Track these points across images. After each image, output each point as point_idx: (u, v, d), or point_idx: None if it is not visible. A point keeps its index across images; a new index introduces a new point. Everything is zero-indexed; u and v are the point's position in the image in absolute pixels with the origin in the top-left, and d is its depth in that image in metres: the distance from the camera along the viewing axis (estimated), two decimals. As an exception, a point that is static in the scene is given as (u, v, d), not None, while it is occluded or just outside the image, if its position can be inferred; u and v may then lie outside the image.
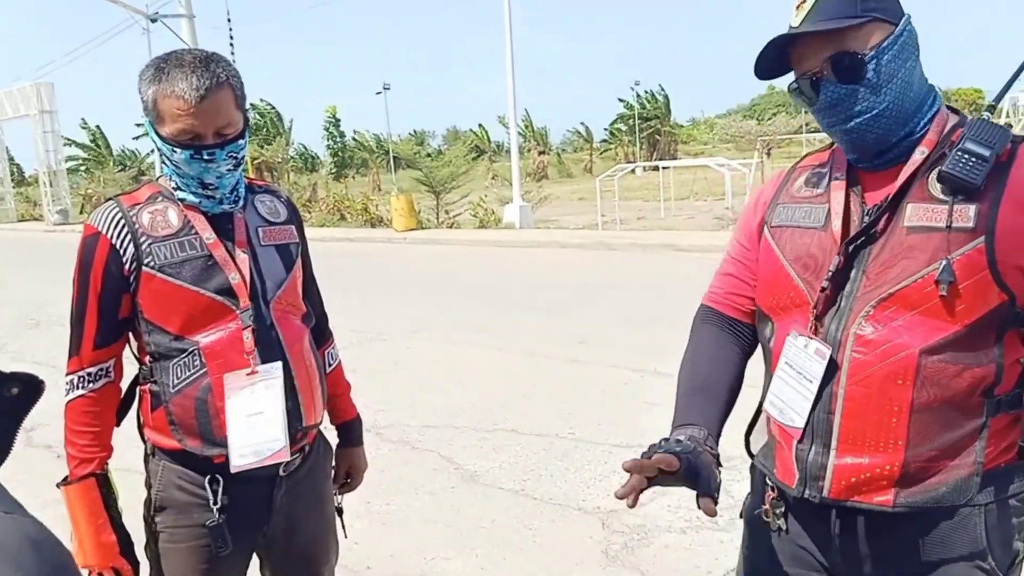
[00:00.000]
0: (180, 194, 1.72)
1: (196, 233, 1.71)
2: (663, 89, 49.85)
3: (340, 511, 2.07)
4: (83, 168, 42.72)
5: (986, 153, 1.21)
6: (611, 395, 5.45)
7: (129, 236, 1.68)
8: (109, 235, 1.68)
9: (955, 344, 1.23)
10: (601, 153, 53.70)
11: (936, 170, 1.26)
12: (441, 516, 3.81)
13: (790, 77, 1.38)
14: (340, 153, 46.87)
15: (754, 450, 1.55)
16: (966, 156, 1.21)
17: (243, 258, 1.74)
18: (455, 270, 12.49)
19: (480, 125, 53.50)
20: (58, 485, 1.73)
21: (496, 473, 4.28)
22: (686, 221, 18.38)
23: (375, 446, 4.70)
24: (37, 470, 4.58)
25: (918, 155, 1.29)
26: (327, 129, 46.90)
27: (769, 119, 21.42)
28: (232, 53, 24.83)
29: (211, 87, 1.60)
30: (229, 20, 27.15)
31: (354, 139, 48.31)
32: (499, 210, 19.41)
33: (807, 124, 25.70)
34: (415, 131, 61.18)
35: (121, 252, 1.68)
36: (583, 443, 4.63)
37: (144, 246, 1.67)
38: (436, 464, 4.45)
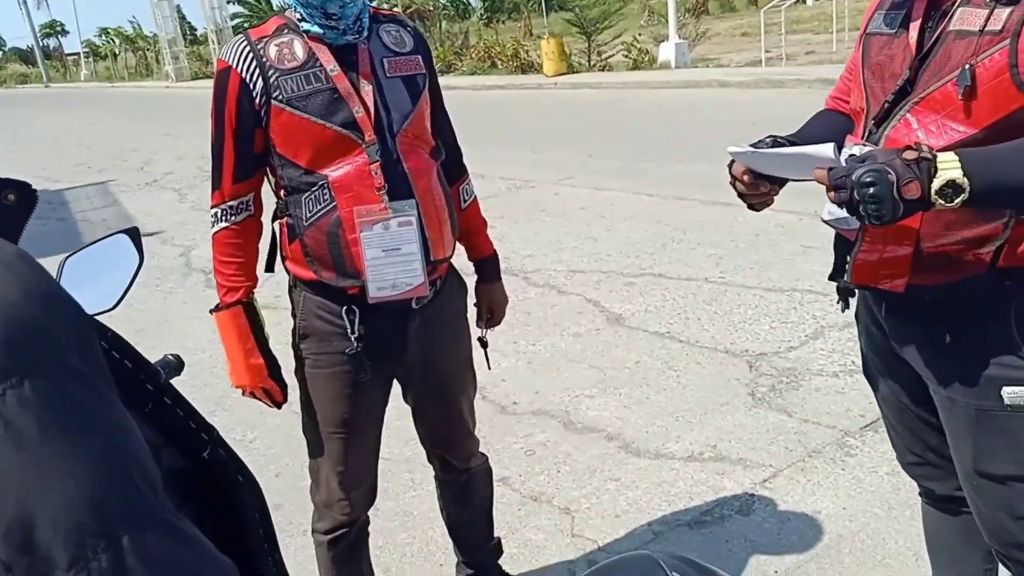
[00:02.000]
0: (304, 25, 1.69)
1: (321, 65, 1.68)
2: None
3: (485, 343, 2.10)
4: (247, 24, 44.12)
5: None
6: (765, 239, 5.21)
7: (258, 69, 1.68)
8: (239, 69, 1.69)
9: (972, 146, 1.22)
10: (768, -17, 49.56)
11: None
12: (586, 357, 3.85)
13: None
14: (491, -3, 45.71)
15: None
16: None
17: (367, 90, 1.70)
18: (606, 115, 12.13)
19: (636, -41, 50.36)
20: (210, 311, 1.84)
21: (642, 316, 4.25)
22: (861, 54, 16.84)
23: (522, 290, 4.77)
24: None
25: None
26: (476, -27, 45.64)
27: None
28: None
29: None
30: None
31: (504, -19, 46.84)
32: (654, 50, 18.48)
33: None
34: (567, -30, 58.52)
35: (252, 85, 1.68)
36: (733, 287, 4.49)
37: (272, 79, 1.67)
38: (582, 307, 4.47)
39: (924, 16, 1.33)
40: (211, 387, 3.89)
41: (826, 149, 1.22)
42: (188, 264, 6.10)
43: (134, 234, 1.26)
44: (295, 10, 1.71)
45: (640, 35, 19.28)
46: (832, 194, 1.18)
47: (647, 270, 4.93)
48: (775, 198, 1.51)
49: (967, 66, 1.22)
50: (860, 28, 1.53)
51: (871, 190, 1.12)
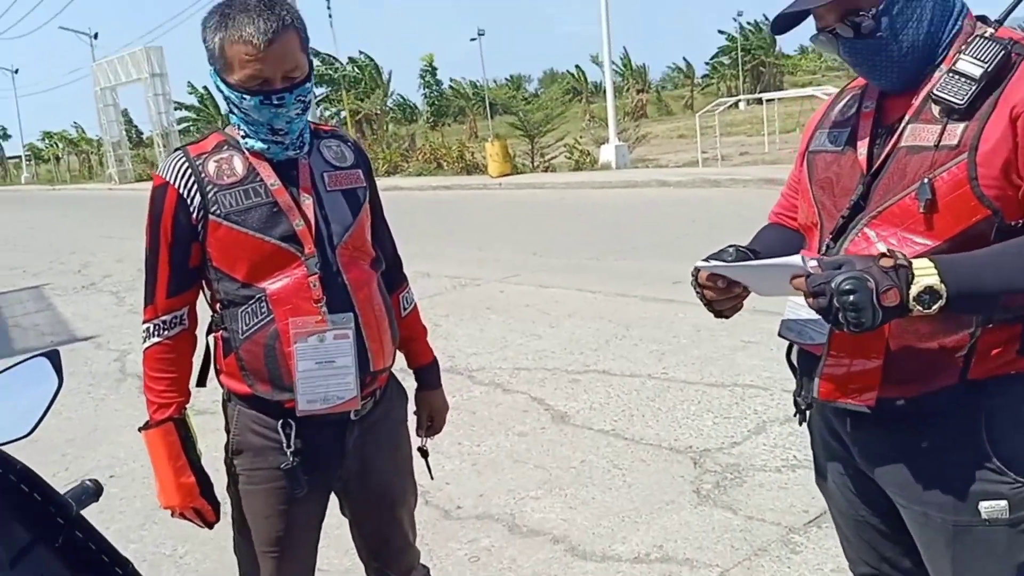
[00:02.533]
0: (248, 142, 1.70)
1: (261, 180, 1.69)
2: (767, 18, 47.65)
3: (425, 453, 2.06)
4: (193, 128, 44.43)
5: (976, 72, 1.23)
6: (706, 334, 5.29)
7: (196, 185, 1.67)
8: (176, 184, 1.68)
9: None
10: (703, 89, 51.98)
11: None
12: (531, 457, 3.80)
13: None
14: (437, 102, 46.98)
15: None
16: (956, 76, 1.25)
17: (308, 203, 1.71)
18: (549, 214, 12.39)
19: (577, 66, 52.54)
20: (139, 429, 1.78)
21: (587, 414, 4.23)
22: (792, 155, 17.60)
23: (467, 388, 4.73)
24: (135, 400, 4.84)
25: (935, 76, 1.29)
26: (423, 78, 47.03)
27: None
28: (328, 8, 25.07)
29: (278, 30, 1.57)
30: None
31: (451, 87, 48.31)
32: (595, 151, 19.11)
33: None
34: (511, 76, 60.66)
35: (188, 201, 1.67)
36: (676, 383, 4.52)
37: (210, 194, 1.67)
38: (527, 405, 4.44)
39: (871, 134, 1.36)
40: (142, 499, 3.72)
41: (794, 259, 1.22)
42: (123, 369, 5.93)
43: (54, 356, 1.23)
44: (238, 127, 1.72)
45: (581, 137, 19.96)
46: (811, 300, 1.17)
47: (591, 367, 4.95)
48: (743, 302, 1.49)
49: (926, 180, 1.23)
50: (800, 142, 1.57)
51: (851, 297, 1.11)
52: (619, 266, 7.73)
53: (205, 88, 44.89)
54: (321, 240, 1.71)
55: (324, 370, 1.71)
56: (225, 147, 1.72)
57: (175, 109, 37.42)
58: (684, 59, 58.46)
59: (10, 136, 67.80)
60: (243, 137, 1.71)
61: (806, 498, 3.09)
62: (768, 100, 22.74)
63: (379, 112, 33.23)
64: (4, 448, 1.11)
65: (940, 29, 1.31)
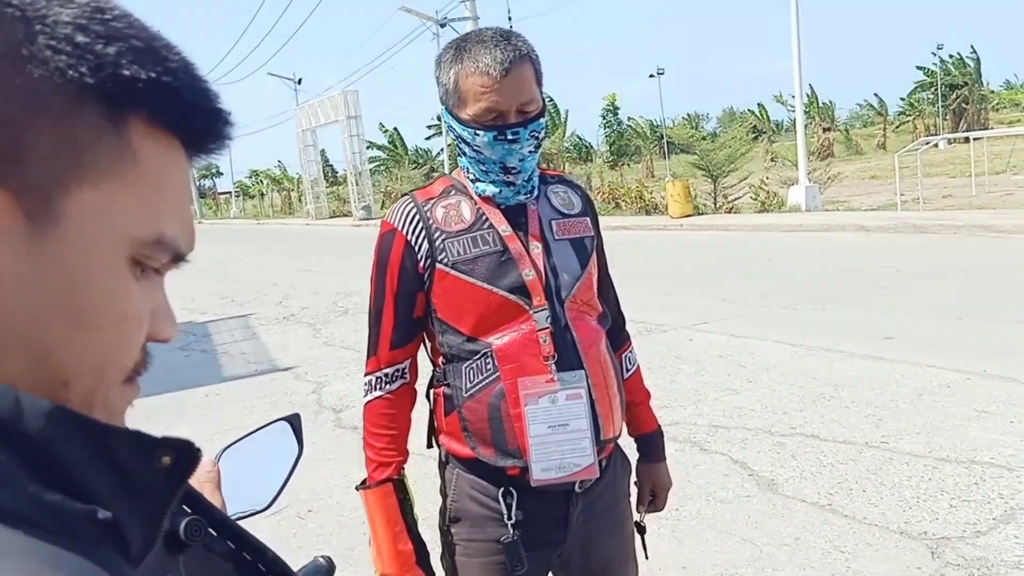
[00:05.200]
0: (479, 186, 1.62)
1: (491, 226, 1.59)
2: (974, 51, 44.42)
3: (643, 530, 1.88)
4: (383, 167, 46.94)
5: None
6: (930, 400, 4.76)
7: (424, 232, 1.60)
8: (405, 231, 1.62)
9: None
10: (896, 127, 49.12)
11: None
12: (737, 528, 3.50)
13: None
14: (617, 141, 47.11)
15: None
16: None
17: (537, 252, 1.60)
18: (737, 257, 11.90)
19: (759, 104, 51.14)
20: (357, 488, 1.71)
21: (797, 483, 3.88)
22: (1003, 199, 16.11)
23: (661, 445, 4.48)
24: (345, 450, 4.93)
25: None
26: (603, 117, 47.35)
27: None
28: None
29: (515, 60, 1.51)
30: (510, 19, 28.02)
31: (629, 126, 48.33)
32: (782, 192, 18.31)
33: None
34: (689, 115, 59.89)
35: (416, 248, 1.60)
36: (900, 455, 4.06)
37: (438, 242, 1.59)
38: (728, 469, 4.14)
39: None
40: (338, 537, 3.75)
41: None
42: (319, 402, 6.13)
43: (295, 421, 1.16)
44: (467, 171, 1.64)
45: (767, 178, 19.20)
46: None
47: (798, 429, 4.56)
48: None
49: None
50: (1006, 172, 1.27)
51: None
52: (819, 317, 7.21)
53: (395, 129, 47.47)
54: (549, 292, 1.59)
55: (558, 434, 1.57)
56: (453, 192, 1.65)
57: (367, 148, 39.72)
58: (876, 95, 55.42)
59: (222, 174, 74.60)
60: (473, 180, 1.63)
61: (1082, 611, 2.63)
62: (976, 139, 21.00)
63: (556, 152, 33.64)
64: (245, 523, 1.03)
65: None
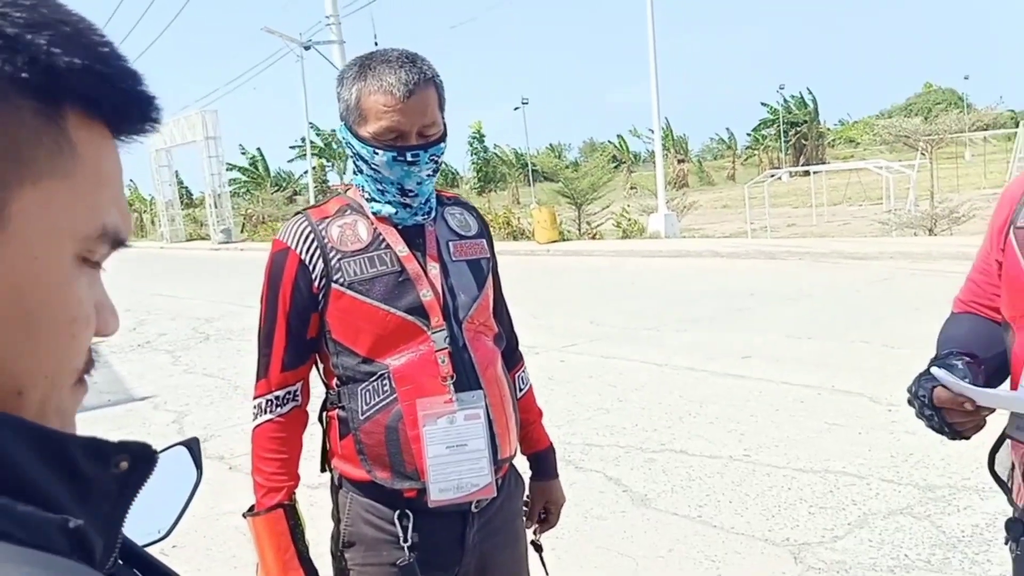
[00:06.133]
0: (374, 206, 1.60)
1: (388, 247, 1.58)
2: (811, 92, 47.97)
3: (540, 548, 1.90)
4: (243, 190, 45.44)
5: None
6: (786, 414, 5.05)
7: (319, 251, 1.57)
8: (298, 250, 1.58)
9: None
10: (744, 160, 52.17)
11: None
12: (613, 543, 3.58)
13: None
14: (484, 168, 47.65)
15: (1003, 476, 1.39)
16: None
17: (435, 273, 1.60)
18: (602, 281, 12.26)
19: (619, 136, 53.12)
20: (244, 515, 1.64)
21: (669, 497, 4.01)
22: (841, 227, 17.43)
23: (538, 465, 4.53)
24: (211, 481, 4.71)
25: None
26: (470, 144, 47.80)
27: (934, 117, 20.03)
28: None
29: (419, 82, 1.51)
30: (376, 44, 27.91)
31: (495, 154, 49.01)
32: (642, 220, 19.04)
33: (975, 122, 23.96)
34: (552, 144, 61.42)
35: (310, 268, 1.57)
36: (761, 466, 4.28)
37: (333, 261, 1.56)
38: (603, 486, 4.23)
39: None
40: (208, 571, 3.57)
41: None
42: (181, 431, 5.83)
43: (193, 446, 1.11)
44: (362, 189, 1.63)
45: (628, 206, 19.93)
46: None
47: (667, 445, 4.73)
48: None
49: None
50: (993, 219, 1.39)
51: None
52: (682, 338, 7.52)
53: (258, 150, 46.13)
54: (447, 313, 1.59)
55: (456, 455, 1.57)
56: (348, 211, 1.62)
57: (227, 169, 38.39)
58: (727, 130, 58.80)
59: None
60: (368, 200, 1.61)
61: (928, 604, 2.84)
62: (815, 172, 22.56)
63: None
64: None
65: None
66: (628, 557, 3.44)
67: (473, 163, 48.10)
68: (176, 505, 1.07)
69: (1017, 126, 28.63)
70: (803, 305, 8.71)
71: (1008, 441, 1.35)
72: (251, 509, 1.64)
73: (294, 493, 1.65)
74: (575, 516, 3.88)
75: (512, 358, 1.86)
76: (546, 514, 1.93)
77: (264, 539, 1.61)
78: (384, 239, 1.59)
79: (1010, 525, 1.29)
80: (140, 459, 0.49)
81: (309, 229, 1.59)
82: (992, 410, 1.26)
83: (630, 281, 11.87)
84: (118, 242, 0.50)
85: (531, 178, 33.90)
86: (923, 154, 16.89)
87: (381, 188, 1.58)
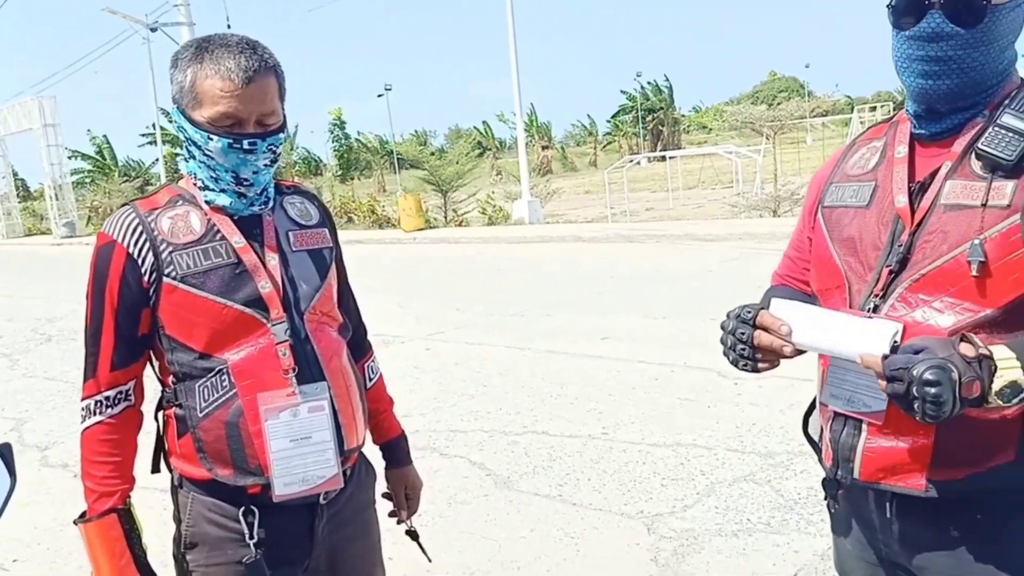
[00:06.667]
0: (208, 195, 1.55)
1: (223, 238, 1.54)
2: (667, 79, 49.71)
3: (415, 535, 1.93)
4: (89, 180, 42.72)
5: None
6: (641, 392, 5.27)
7: (148, 244, 1.51)
8: (125, 243, 1.51)
9: (988, 326, 1.15)
10: (604, 146, 53.55)
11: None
12: (477, 527, 3.64)
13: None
14: (345, 155, 46.76)
15: (815, 438, 1.47)
16: (1003, 131, 1.17)
17: (274, 264, 1.57)
18: (468, 269, 12.33)
19: (484, 122, 53.33)
20: (75, 522, 1.57)
21: (531, 479, 4.10)
22: (696, 210, 18.23)
23: (402, 454, 4.53)
24: (55, 491, 4.44)
25: (974, 126, 1.22)
26: (331, 132, 46.80)
27: (778, 104, 21.23)
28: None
29: (259, 69, 1.47)
30: (229, 27, 26.84)
31: (358, 141, 48.19)
32: (507, 206, 19.27)
33: (814, 108, 25.59)
34: (417, 131, 61.04)
35: (139, 262, 1.51)
36: (618, 443, 4.45)
37: (164, 254, 1.50)
38: (467, 471, 4.28)
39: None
40: (49, 589, 3.38)
41: (880, 328, 1.13)
42: (21, 440, 5.46)
43: (6, 451, 1.05)
44: (194, 177, 1.57)
45: (493, 193, 20.11)
46: (885, 384, 1.09)
47: (529, 427, 4.83)
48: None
49: (977, 241, 1.15)
50: (806, 198, 1.48)
51: (933, 389, 1.02)
52: (545, 322, 7.68)
53: (105, 136, 43.41)
54: (288, 304, 1.56)
55: (301, 447, 1.55)
56: (180, 202, 1.56)
57: (69, 157, 35.99)
58: (588, 116, 60.16)
59: None
60: (202, 189, 1.56)
61: (767, 564, 3.04)
62: (671, 158, 23.44)
63: (284, 165, 32.73)
64: None
65: (999, 70, 1.23)
66: (491, 540, 3.50)
67: (334, 151, 47.15)
68: None
69: (853, 111, 30.80)
70: (659, 286, 9.07)
71: (818, 405, 1.44)
72: (82, 515, 1.57)
73: (129, 496, 1.59)
74: (440, 503, 3.92)
75: (360, 348, 1.85)
76: (408, 499, 1.94)
77: (97, 546, 1.55)
78: (219, 230, 1.54)
79: (825, 484, 1.38)
80: None
81: (137, 221, 1.53)
82: (798, 353, 1.29)
83: (495, 268, 11.99)
84: None
85: (396, 166, 33.57)
86: (768, 139, 17.93)
87: (215, 176, 1.53)
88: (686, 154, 27.82)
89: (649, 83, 49.58)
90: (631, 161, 24.90)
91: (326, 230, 1.71)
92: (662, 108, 48.53)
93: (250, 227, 1.58)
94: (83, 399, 1.58)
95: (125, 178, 40.00)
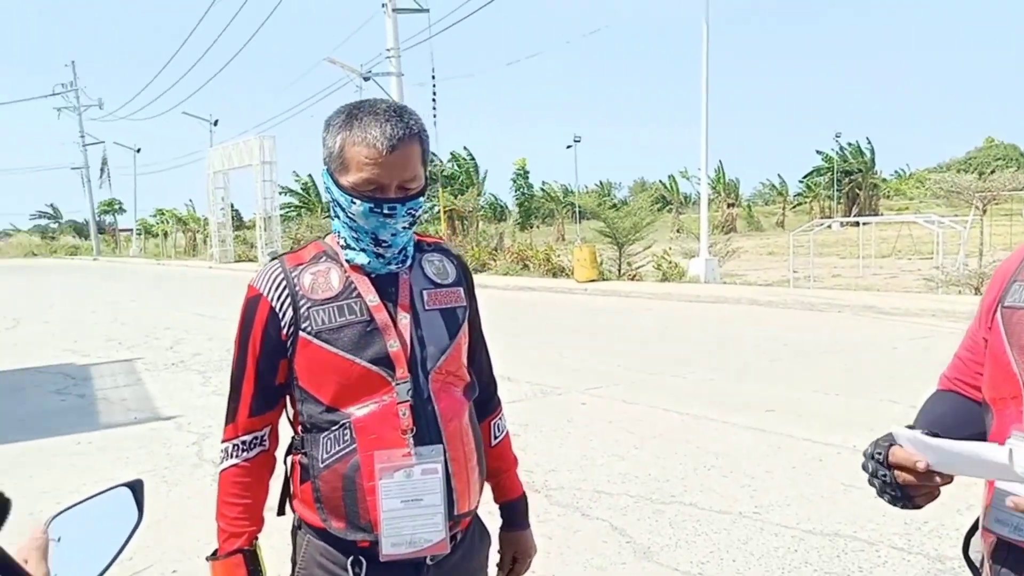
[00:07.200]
0: (349, 253, 1.61)
1: (359, 295, 1.59)
2: (869, 142, 47.43)
3: None
4: (295, 214, 46.34)
5: None
6: (802, 472, 4.94)
7: (289, 298, 1.58)
8: (270, 297, 1.59)
9: None
10: (794, 207, 51.64)
11: None
12: (609, 595, 3.52)
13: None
14: (526, 204, 47.95)
15: (976, 562, 1.33)
16: None
17: (404, 323, 1.60)
18: (635, 324, 12.17)
19: (670, 176, 52.97)
20: (207, 558, 1.65)
21: (672, 551, 3.93)
22: (888, 281, 17.08)
23: (543, 508, 4.49)
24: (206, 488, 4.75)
25: None
26: (514, 180, 48.18)
27: (991, 173, 19.57)
28: (434, 108, 26.11)
29: (404, 137, 1.51)
30: (434, 78, 28.38)
31: (542, 190, 49.29)
32: (683, 263, 18.92)
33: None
34: (601, 182, 61.55)
35: (280, 315, 1.58)
36: (770, 525, 4.18)
37: (303, 309, 1.57)
38: (607, 535, 4.16)
39: None
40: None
41: (1000, 453, 1.02)
42: (199, 454, 5.90)
43: (137, 487, 1.11)
44: (338, 236, 1.63)
45: (670, 248, 19.83)
46: None
47: (678, 497, 4.65)
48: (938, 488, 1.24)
49: None
50: (985, 296, 1.34)
51: None
52: (707, 387, 7.42)
53: (310, 176, 47.04)
54: (414, 364, 1.59)
55: (411, 509, 1.56)
56: (323, 258, 1.63)
57: (280, 193, 39.21)
58: (779, 176, 58.32)
59: (125, 211, 71.91)
60: (344, 248, 1.62)
61: None
62: (866, 223, 22.24)
63: (471, 210, 33.94)
64: None
65: None
66: (622, 611, 3.37)
67: (516, 199, 48.41)
68: (112, 547, 1.07)
69: (1078, 185, 27.86)
70: (836, 359, 8.54)
71: (980, 529, 1.30)
72: (214, 553, 1.64)
73: (256, 538, 1.65)
74: (575, 564, 3.83)
75: (488, 405, 1.84)
76: (514, 563, 1.90)
77: None
78: (355, 287, 1.59)
79: None
80: None
81: (282, 276, 1.61)
82: (950, 479, 1.19)
83: (664, 325, 11.77)
84: None
85: (578, 216, 33.99)
86: (977, 209, 16.54)
87: (356, 236, 1.59)
88: (883, 220, 26.28)
89: (849, 144, 47.56)
90: (821, 224, 23.81)
91: (461, 289, 1.73)
92: (860, 171, 46.30)
93: (386, 285, 1.62)
94: (223, 441, 1.66)
95: (327, 215, 43.03)
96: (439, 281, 1.69)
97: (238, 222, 48.27)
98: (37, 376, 9.49)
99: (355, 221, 1.56)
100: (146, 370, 9.54)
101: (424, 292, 1.66)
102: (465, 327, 1.71)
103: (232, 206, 43.09)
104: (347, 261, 1.61)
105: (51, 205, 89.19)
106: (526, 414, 6.65)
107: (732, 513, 4.37)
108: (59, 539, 0.98)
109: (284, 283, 1.60)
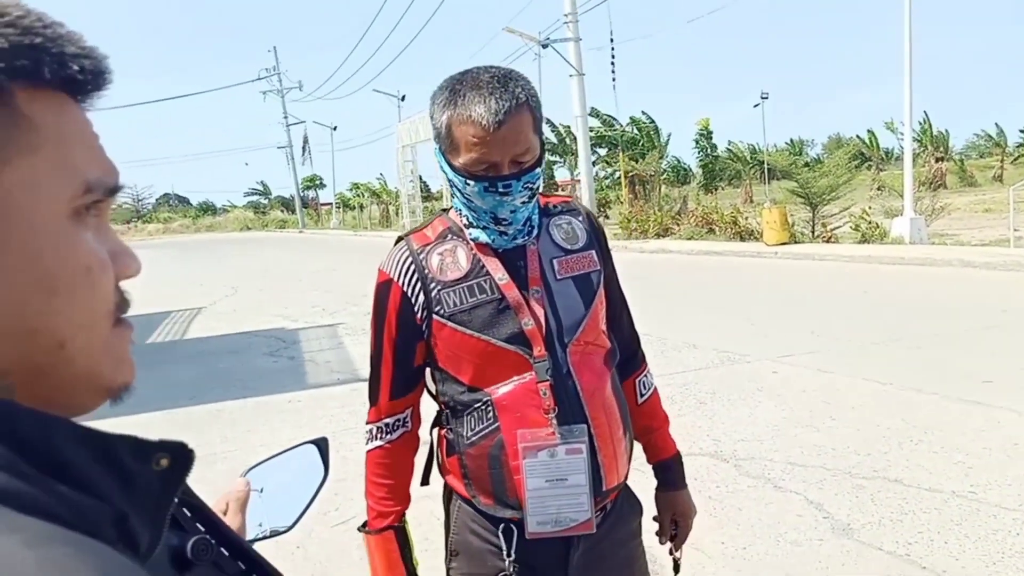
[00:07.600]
0: (472, 232, 1.58)
1: (487, 274, 1.55)
2: (1103, 80, 41.84)
3: (678, 567, 1.84)
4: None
5: None
6: (1027, 450, 4.49)
7: (419, 282, 1.57)
8: (400, 282, 1.59)
9: None
10: (1015, 160, 46.71)
11: None
12: (806, 572, 3.38)
13: None
14: (711, 165, 46.38)
15: None
16: None
17: (538, 298, 1.56)
18: (831, 289, 11.51)
19: (869, 131, 49.37)
20: (359, 529, 1.72)
21: (875, 529, 3.71)
22: None
23: (733, 479, 4.37)
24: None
25: None
26: (697, 142, 46.69)
27: None
28: (613, 71, 25.77)
29: (510, 110, 1.44)
30: (612, 41, 27.92)
31: (728, 150, 47.53)
32: (885, 224, 17.64)
33: None
34: (792, 140, 58.40)
35: (412, 299, 1.58)
36: (987, 506, 3.84)
37: (434, 293, 1.56)
38: (802, 509, 3.99)
39: None
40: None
41: None
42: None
43: (322, 445, 1.18)
44: (460, 213, 1.60)
45: (870, 208, 18.54)
46: None
47: (880, 473, 4.37)
48: None
49: None
50: None
51: None
52: (913, 356, 6.90)
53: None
54: (551, 339, 1.55)
55: (555, 489, 1.55)
56: (449, 236, 1.60)
57: (463, 165, 40.26)
58: (996, 125, 52.81)
59: (324, 185, 76.87)
60: (466, 226, 1.59)
61: None
62: (1103, 173, 19.70)
63: (653, 173, 33.32)
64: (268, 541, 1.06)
65: None
66: (819, 589, 3.22)
67: (699, 160, 46.91)
68: (303, 500, 1.15)
69: None
70: (1067, 327, 7.67)
71: None
72: (364, 525, 1.70)
73: (403, 516, 1.69)
74: (766, 538, 3.71)
75: (632, 362, 1.79)
76: (676, 527, 1.84)
77: (376, 556, 1.68)
78: (484, 266, 1.56)
79: None
80: (179, 457, 0.53)
81: (410, 259, 1.59)
82: None
83: (862, 290, 11.04)
84: (110, 190, 0.55)
85: (767, 176, 32.46)
86: None
87: (475, 215, 1.56)
88: (1124, 169, 23.16)
89: (1080, 85, 42.19)
90: (1047, 176, 21.39)
91: (594, 252, 1.66)
92: (1096, 114, 41.02)
93: (515, 259, 1.58)
94: (367, 423, 1.69)
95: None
96: (569, 247, 1.63)
97: (426, 193, 50.19)
98: (253, 339, 10.38)
99: (472, 201, 1.53)
100: (347, 335, 10.18)
101: (555, 260, 1.61)
102: (601, 292, 1.65)
103: (420, 178, 44.90)
104: (472, 239, 1.58)
105: (261, 182, 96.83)
106: (712, 382, 6.48)
107: (943, 492, 4.06)
108: (261, 490, 1.06)
109: (413, 266, 1.58)
